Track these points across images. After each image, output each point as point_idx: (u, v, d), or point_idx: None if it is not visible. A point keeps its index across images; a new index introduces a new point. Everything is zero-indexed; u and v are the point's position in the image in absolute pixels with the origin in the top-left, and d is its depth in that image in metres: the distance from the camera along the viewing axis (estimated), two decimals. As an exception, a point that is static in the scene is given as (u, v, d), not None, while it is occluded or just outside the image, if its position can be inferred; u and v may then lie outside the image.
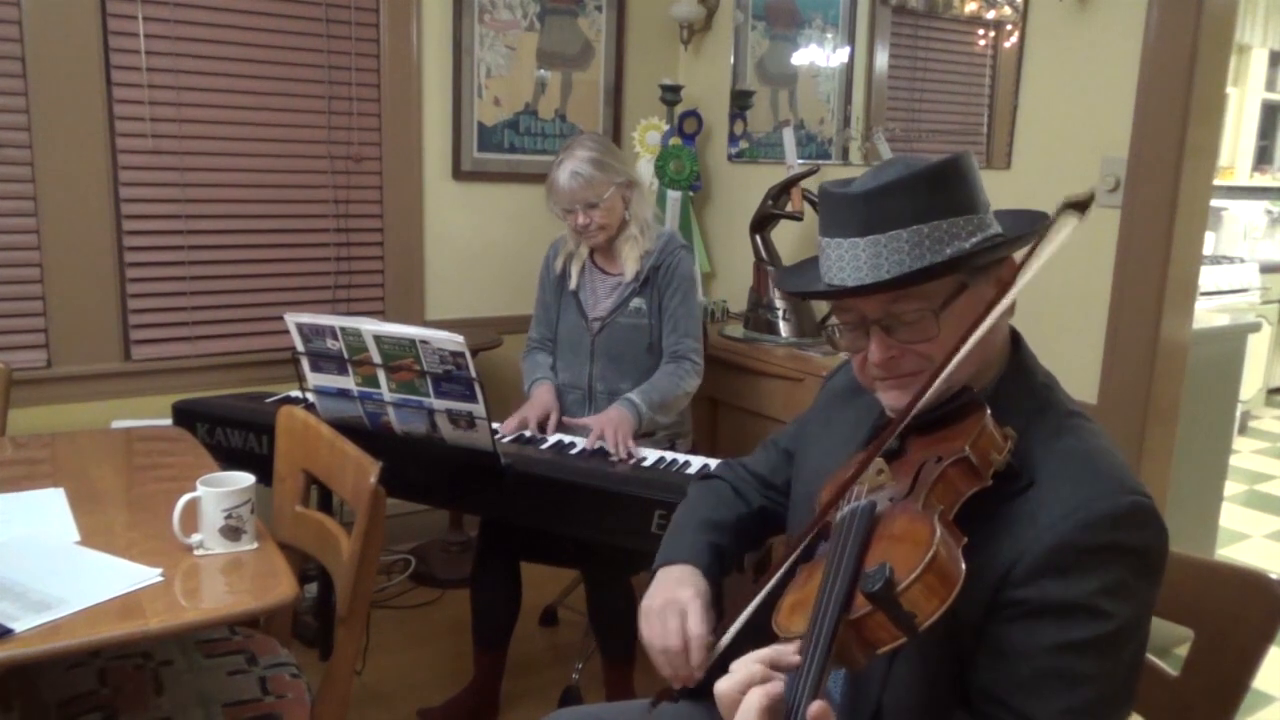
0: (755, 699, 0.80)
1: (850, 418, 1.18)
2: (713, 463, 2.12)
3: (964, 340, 0.92)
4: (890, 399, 1.04)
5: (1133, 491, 0.92)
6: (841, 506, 0.96)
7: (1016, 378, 1.03)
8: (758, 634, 0.95)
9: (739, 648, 0.93)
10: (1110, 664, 0.90)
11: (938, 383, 0.93)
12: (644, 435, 2.26)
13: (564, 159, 2.27)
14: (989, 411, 0.94)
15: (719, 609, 1.14)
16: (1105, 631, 0.89)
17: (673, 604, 1.10)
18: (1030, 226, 0.99)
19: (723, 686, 0.85)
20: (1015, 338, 1.07)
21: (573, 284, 2.40)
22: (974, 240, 0.97)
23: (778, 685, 0.82)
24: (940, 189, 0.97)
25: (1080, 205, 0.88)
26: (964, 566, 0.81)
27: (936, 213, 0.96)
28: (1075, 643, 0.88)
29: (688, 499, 1.35)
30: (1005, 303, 0.92)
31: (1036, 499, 0.92)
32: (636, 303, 2.34)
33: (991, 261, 1.00)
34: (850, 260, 0.98)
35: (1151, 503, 0.92)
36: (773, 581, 1.02)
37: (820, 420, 1.26)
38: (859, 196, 0.98)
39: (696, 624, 1.09)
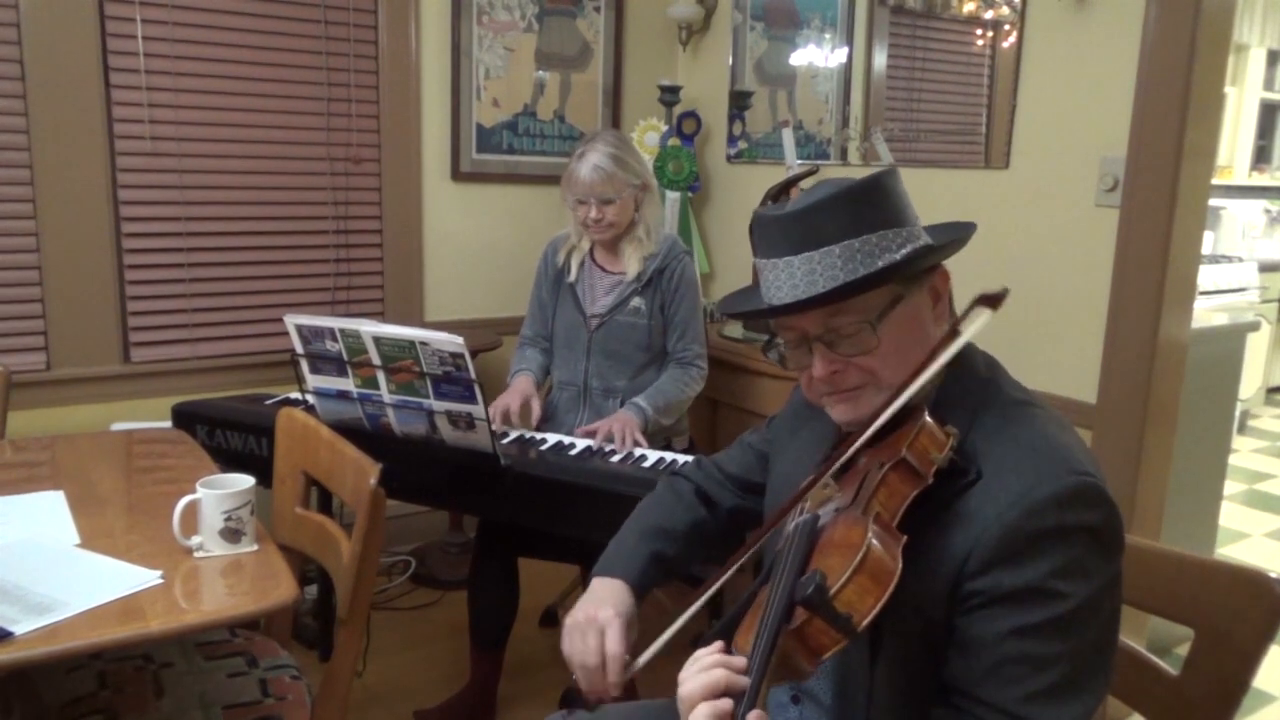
0: (703, 712, 0.82)
1: (816, 429, 1.18)
2: (712, 463, 2.12)
3: (911, 379, 0.94)
4: (839, 413, 1.06)
5: (1077, 472, 0.93)
6: (787, 525, 0.98)
7: (957, 376, 1.04)
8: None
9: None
10: (1073, 644, 0.91)
11: (890, 410, 0.95)
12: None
13: (586, 151, 2.28)
14: (927, 412, 0.96)
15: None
16: (1063, 612, 0.90)
17: (593, 622, 1.13)
18: (956, 235, 1.04)
19: (685, 690, 0.86)
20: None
21: (571, 277, 2.41)
22: (904, 251, 1.00)
23: (726, 703, 0.82)
24: (868, 204, 1.00)
25: (992, 301, 0.91)
26: (900, 564, 0.83)
27: (866, 227, 0.99)
28: (1033, 626, 0.90)
29: (646, 499, 1.34)
30: (935, 368, 0.94)
31: (984, 491, 0.94)
32: (636, 302, 2.34)
33: (923, 270, 1.03)
34: (786, 279, 1.01)
35: (1097, 480, 0.94)
36: (697, 604, 1.02)
37: (789, 428, 1.27)
38: (790, 216, 1.01)
39: (614, 643, 1.11)
